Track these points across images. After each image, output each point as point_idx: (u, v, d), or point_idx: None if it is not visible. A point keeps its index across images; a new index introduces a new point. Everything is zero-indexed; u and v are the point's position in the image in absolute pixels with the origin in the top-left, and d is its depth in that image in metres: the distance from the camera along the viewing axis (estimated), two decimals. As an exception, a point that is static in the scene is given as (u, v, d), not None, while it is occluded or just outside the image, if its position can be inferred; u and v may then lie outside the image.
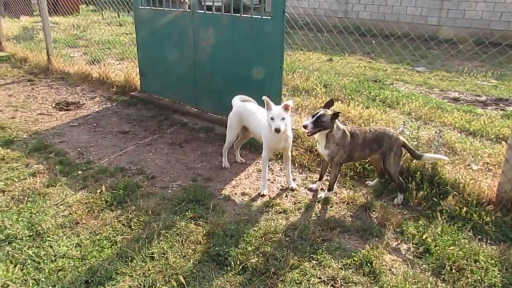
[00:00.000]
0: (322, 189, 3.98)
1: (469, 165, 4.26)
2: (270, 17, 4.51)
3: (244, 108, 4.17)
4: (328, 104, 3.55)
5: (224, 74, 5.27)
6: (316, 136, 3.60)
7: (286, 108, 3.55)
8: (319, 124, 3.41)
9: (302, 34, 7.16)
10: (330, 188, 3.79)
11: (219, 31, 5.17)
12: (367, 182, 4.06)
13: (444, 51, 8.57)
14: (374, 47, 9.50)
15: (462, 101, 6.86)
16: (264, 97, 3.61)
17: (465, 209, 3.49)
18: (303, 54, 9.77)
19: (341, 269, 2.90)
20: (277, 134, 3.57)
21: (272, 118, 3.54)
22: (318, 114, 3.42)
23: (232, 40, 5.03)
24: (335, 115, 3.44)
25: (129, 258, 2.97)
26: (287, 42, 7.54)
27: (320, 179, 3.97)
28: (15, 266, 2.87)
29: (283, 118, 3.52)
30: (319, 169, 4.12)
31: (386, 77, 8.29)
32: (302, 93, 6.71)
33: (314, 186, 3.97)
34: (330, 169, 3.78)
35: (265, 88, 4.66)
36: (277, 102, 4.65)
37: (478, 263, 2.96)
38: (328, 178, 3.86)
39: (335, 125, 3.49)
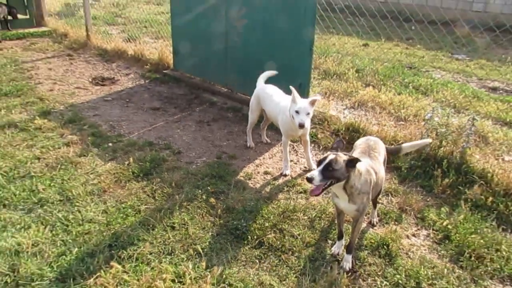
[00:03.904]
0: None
1: (501, 155, 4.13)
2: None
3: (262, 90, 4.21)
4: (337, 145, 2.63)
5: (254, 54, 5.29)
6: (332, 188, 2.57)
7: (313, 103, 3.50)
8: (329, 174, 2.41)
9: (342, 17, 7.02)
10: (350, 250, 2.79)
11: (251, 10, 5.16)
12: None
13: (493, 39, 8.15)
14: (415, 32, 9.20)
15: (501, 91, 6.58)
16: (291, 87, 3.53)
17: (491, 198, 3.40)
18: (339, 39, 9.56)
19: (357, 249, 2.92)
20: (299, 129, 3.52)
21: (297, 112, 3.47)
22: (327, 160, 2.41)
23: (263, 20, 5.01)
24: (352, 161, 2.45)
25: (151, 226, 3.11)
26: (325, 26, 7.48)
27: (341, 236, 2.95)
28: (45, 227, 3.06)
29: (308, 113, 3.47)
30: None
31: (422, 64, 8.01)
32: (333, 77, 6.61)
33: (336, 249, 2.92)
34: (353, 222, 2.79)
35: (294, 69, 4.66)
36: (305, 86, 4.65)
37: (499, 253, 2.91)
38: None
39: (352, 172, 2.51)
